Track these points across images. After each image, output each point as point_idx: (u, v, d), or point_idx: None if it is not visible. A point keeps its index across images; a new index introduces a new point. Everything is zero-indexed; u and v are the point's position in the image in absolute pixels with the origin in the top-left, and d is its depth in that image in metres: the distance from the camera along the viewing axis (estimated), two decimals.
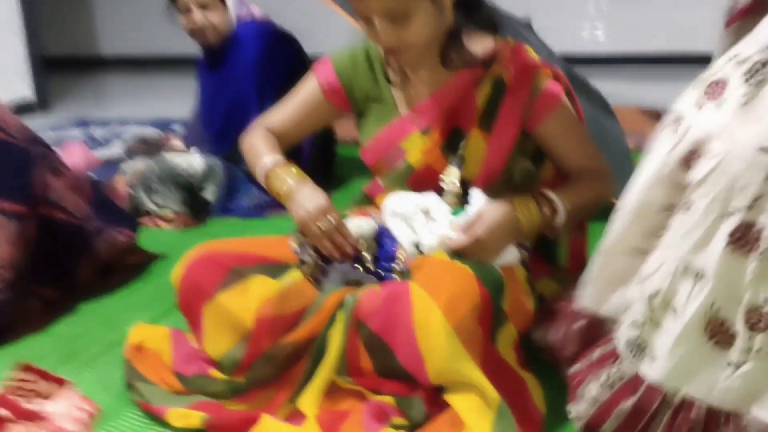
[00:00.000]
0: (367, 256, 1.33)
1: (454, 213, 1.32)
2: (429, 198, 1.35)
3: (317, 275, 1.33)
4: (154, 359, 1.33)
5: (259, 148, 1.44)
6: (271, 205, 2.31)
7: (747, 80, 0.96)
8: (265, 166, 1.39)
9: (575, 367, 1.18)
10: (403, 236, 1.33)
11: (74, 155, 2.64)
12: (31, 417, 1.19)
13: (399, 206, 1.34)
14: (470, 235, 1.24)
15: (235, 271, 1.28)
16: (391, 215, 1.35)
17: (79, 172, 2.24)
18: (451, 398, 1.14)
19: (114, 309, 1.70)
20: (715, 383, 0.98)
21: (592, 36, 5.26)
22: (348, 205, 1.56)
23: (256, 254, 1.34)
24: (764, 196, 0.92)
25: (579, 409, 1.14)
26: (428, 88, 1.40)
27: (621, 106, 2.49)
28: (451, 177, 1.37)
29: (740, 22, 1.06)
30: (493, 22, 1.41)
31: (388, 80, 1.44)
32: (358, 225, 1.34)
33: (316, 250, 1.34)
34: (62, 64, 5.51)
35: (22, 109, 4.13)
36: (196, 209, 2.30)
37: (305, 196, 1.32)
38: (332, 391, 1.20)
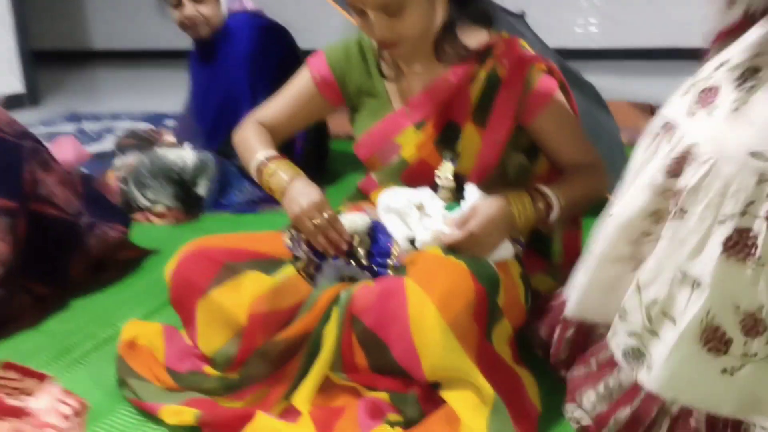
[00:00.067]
0: (360, 251, 1.32)
1: (449, 208, 1.32)
2: (423, 193, 1.35)
3: (311, 271, 1.32)
4: (147, 356, 1.32)
5: (252, 142, 1.44)
6: (265, 200, 2.30)
7: (738, 86, 0.96)
8: (258, 160, 1.38)
9: (573, 373, 1.18)
10: (397, 232, 1.32)
11: (65, 150, 2.62)
12: (16, 414, 1.19)
13: (393, 201, 1.34)
14: (465, 231, 1.24)
15: (228, 266, 1.27)
16: (385, 210, 1.35)
17: (69, 166, 2.22)
18: (446, 395, 1.14)
19: (106, 305, 1.69)
20: (712, 390, 0.98)
21: (585, 30, 5.26)
22: (342, 201, 1.55)
23: (249, 250, 1.33)
24: (756, 201, 0.91)
25: (576, 416, 1.14)
26: (422, 81, 1.40)
27: (614, 101, 2.50)
28: (445, 172, 1.36)
29: (725, 40, 1.05)
30: (487, 16, 1.41)
31: (382, 74, 1.43)
32: (352, 220, 1.34)
33: (310, 246, 1.33)
34: (53, 57, 5.48)
35: (13, 103, 4.10)
36: (189, 204, 2.29)
37: (299, 192, 1.32)
38: (327, 388, 1.19)
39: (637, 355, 1.04)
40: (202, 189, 2.29)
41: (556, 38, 2.50)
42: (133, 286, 1.80)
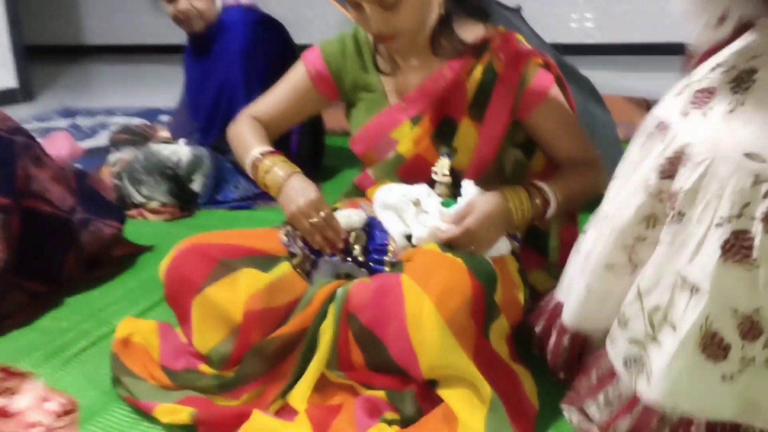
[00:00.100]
0: (357, 248, 1.31)
1: (446, 204, 1.31)
2: (420, 189, 1.34)
3: (307, 267, 1.32)
4: (142, 354, 1.31)
5: (247, 137, 1.43)
6: (260, 196, 2.29)
7: (734, 88, 0.95)
8: (253, 156, 1.38)
9: (575, 384, 1.17)
10: (394, 228, 1.31)
11: (59, 145, 2.60)
12: (2, 414, 1.18)
13: (389, 197, 1.33)
14: (462, 227, 1.23)
15: (224, 263, 1.26)
16: (382, 207, 1.34)
17: (63, 162, 2.21)
18: (443, 393, 1.13)
19: (101, 302, 1.68)
20: (712, 397, 0.96)
21: (581, 25, 5.26)
22: (338, 197, 1.54)
23: (244, 246, 1.32)
24: (752, 203, 0.90)
25: (584, 428, 1.13)
26: (418, 76, 1.39)
27: (610, 96, 2.49)
28: (441, 167, 1.36)
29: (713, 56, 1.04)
30: (483, 10, 1.40)
31: (378, 68, 1.42)
32: (348, 216, 1.33)
33: (306, 242, 1.32)
34: (46, 52, 5.45)
35: (6, 98, 4.08)
36: (184, 200, 2.28)
37: (295, 190, 1.31)
38: (323, 386, 1.19)
39: (638, 363, 1.03)
40: (197, 185, 2.28)
41: (551, 33, 2.49)
42: (128, 283, 1.79)
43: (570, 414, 1.15)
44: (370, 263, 1.31)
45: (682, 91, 1.03)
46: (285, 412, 1.17)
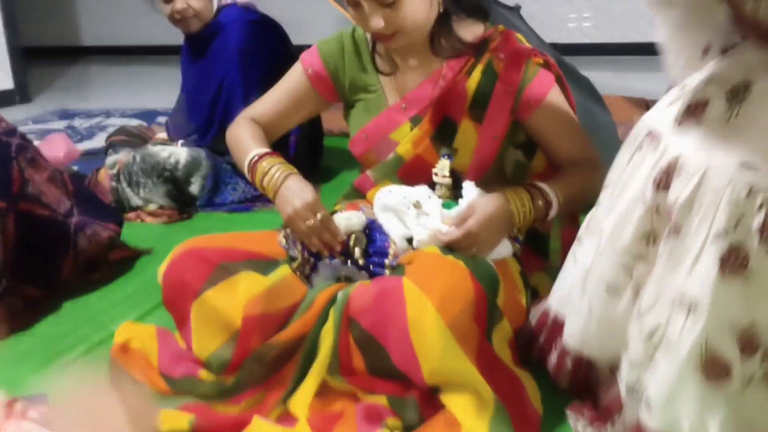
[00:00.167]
0: (357, 251, 1.30)
1: (446, 206, 1.30)
2: (420, 191, 1.33)
3: (306, 271, 1.31)
4: (141, 360, 1.30)
5: (244, 140, 1.41)
6: (259, 198, 2.27)
7: (729, 100, 0.93)
8: (250, 158, 1.36)
9: (585, 403, 1.15)
10: (394, 230, 1.30)
11: (55, 147, 2.59)
12: None
13: (389, 199, 1.32)
14: (463, 229, 1.22)
15: (223, 267, 1.25)
16: (382, 209, 1.33)
17: (60, 164, 2.20)
18: (446, 399, 1.12)
19: (98, 307, 1.67)
20: (714, 420, 0.94)
21: (579, 25, 5.25)
22: (337, 199, 1.53)
23: (243, 249, 1.31)
24: (747, 214, 0.88)
25: None
26: (418, 76, 1.38)
27: (608, 95, 2.48)
28: (442, 169, 1.35)
29: None
30: (482, 8, 1.39)
31: (377, 68, 1.41)
32: (348, 219, 1.32)
33: (305, 245, 1.31)
34: (43, 54, 5.44)
35: (2, 100, 4.07)
36: (182, 203, 2.27)
37: (292, 192, 1.29)
38: (324, 392, 1.18)
39: (638, 389, 1.00)
40: (195, 187, 2.27)
41: (549, 33, 2.48)
42: (126, 287, 1.77)
43: (576, 423, 1.13)
44: (371, 266, 1.30)
45: (675, 101, 1.01)
46: (285, 418, 1.16)
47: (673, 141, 0.97)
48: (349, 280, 1.29)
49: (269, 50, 2.36)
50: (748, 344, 0.91)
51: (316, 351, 1.18)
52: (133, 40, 5.71)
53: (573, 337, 1.15)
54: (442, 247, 1.23)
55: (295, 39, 2.51)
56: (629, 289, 1.05)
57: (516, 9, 2.45)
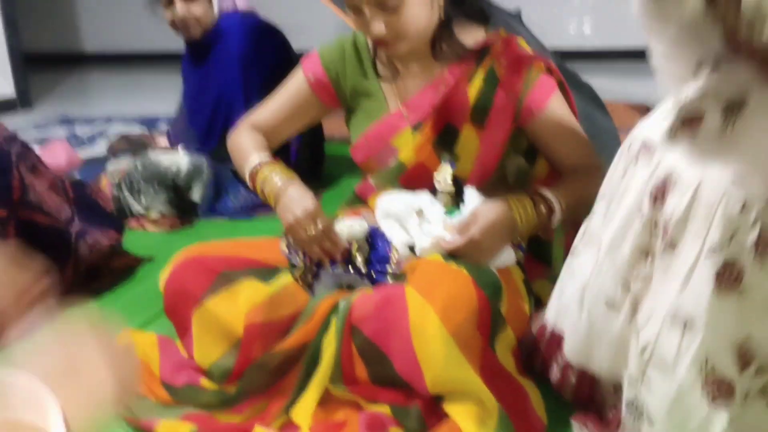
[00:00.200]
0: (359, 258, 1.29)
1: (449, 213, 1.29)
2: (422, 198, 1.32)
3: (308, 279, 1.30)
4: (143, 369, 1.29)
5: (245, 147, 1.41)
6: (260, 205, 2.26)
7: (724, 114, 0.92)
8: (251, 165, 1.36)
9: (590, 416, 1.13)
10: (396, 238, 1.30)
11: (56, 154, 2.59)
12: None
13: (391, 206, 1.31)
14: (465, 236, 1.22)
15: (224, 275, 1.25)
16: (384, 216, 1.32)
17: (61, 171, 2.19)
18: (449, 408, 1.12)
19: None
20: None
21: (579, 31, 5.25)
22: (339, 206, 1.53)
23: (245, 257, 1.30)
24: (741, 230, 0.87)
25: None
26: (419, 81, 1.38)
27: (609, 101, 2.48)
28: (444, 175, 1.34)
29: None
30: (484, 13, 1.38)
31: (378, 74, 1.40)
32: (350, 226, 1.31)
33: (307, 253, 1.30)
34: (44, 60, 5.44)
35: (4, 107, 4.06)
36: (183, 210, 2.26)
37: (292, 199, 1.29)
38: (327, 401, 1.17)
39: (637, 407, 0.99)
40: (196, 194, 2.26)
41: (549, 39, 2.48)
42: (127, 295, 1.77)
43: None
44: (373, 274, 1.29)
45: (669, 113, 1.00)
46: (288, 428, 1.15)
47: (669, 154, 0.96)
48: (351, 287, 1.28)
49: (270, 56, 2.36)
50: (743, 359, 0.89)
51: (319, 360, 1.17)
52: (135, 46, 5.71)
53: (574, 351, 1.13)
54: (445, 254, 1.22)
55: (296, 45, 2.51)
56: (627, 304, 1.03)
57: (517, 14, 2.45)
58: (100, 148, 2.96)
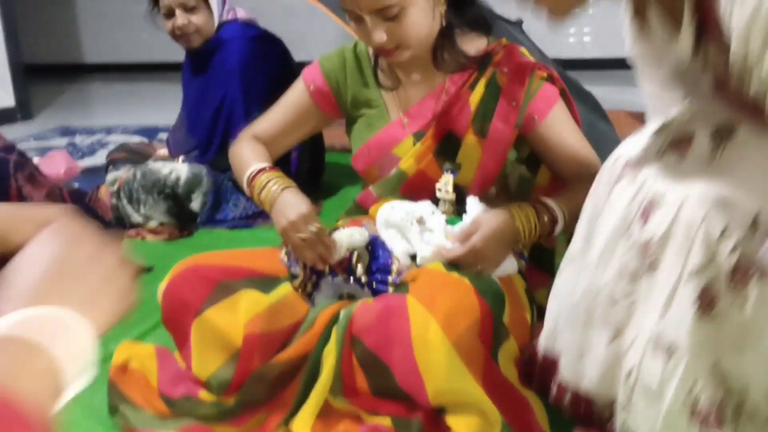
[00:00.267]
0: (360, 267, 1.28)
1: (450, 222, 1.28)
2: (424, 206, 1.31)
3: (308, 289, 1.29)
4: (140, 380, 1.28)
5: (246, 156, 1.40)
6: (260, 215, 2.26)
7: (713, 140, 0.91)
8: (249, 173, 1.35)
9: None
10: (398, 247, 1.28)
11: (56, 164, 2.59)
12: None
13: (392, 215, 1.30)
14: (467, 245, 1.20)
15: (223, 285, 1.23)
16: (385, 225, 1.31)
17: (60, 181, 2.18)
18: (451, 420, 1.10)
19: None
20: None
21: (580, 40, 5.26)
22: (339, 215, 1.52)
23: (244, 267, 1.29)
24: (719, 256, 0.84)
25: None
26: (420, 90, 1.37)
27: (611, 110, 2.47)
28: (445, 184, 1.33)
29: None
30: (485, 22, 1.37)
31: (379, 83, 1.39)
32: (350, 235, 1.30)
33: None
34: (45, 71, 5.45)
35: (4, 117, 4.07)
36: (183, 220, 2.25)
37: (286, 204, 1.27)
38: (327, 413, 1.15)
39: None
40: (195, 204, 2.25)
41: (549, 48, 2.48)
42: None
43: None
44: (374, 283, 1.28)
45: (657, 133, 0.99)
46: None
47: (653, 175, 0.94)
48: (351, 297, 1.27)
49: (270, 66, 2.36)
50: (723, 381, 0.87)
51: (319, 371, 1.16)
52: (135, 57, 5.73)
53: (568, 372, 1.11)
54: (447, 263, 1.21)
55: (297, 55, 2.51)
56: (610, 326, 1.00)
57: (518, 23, 2.45)
58: (99, 158, 2.96)
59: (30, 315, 0.49)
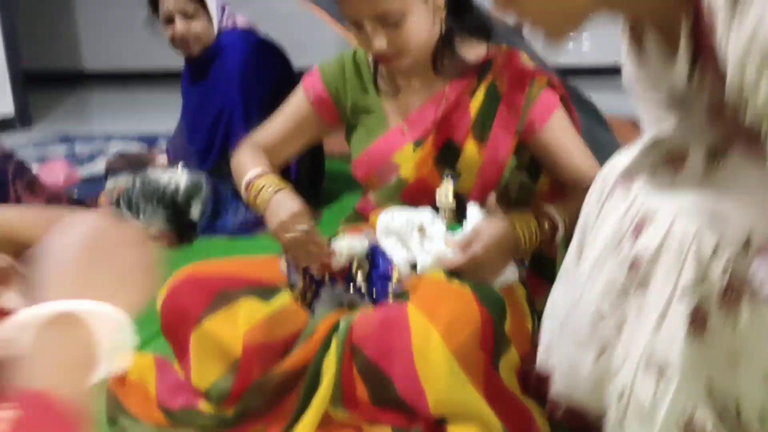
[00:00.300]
0: (359, 276, 1.28)
1: (451, 230, 1.27)
2: (424, 214, 1.31)
3: (308, 298, 1.28)
4: (139, 391, 1.27)
5: (245, 165, 1.40)
6: (260, 223, 2.24)
7: (707, 158, 0.90)
8: (247, 178, 1.34)
9: None
10: (398, 255, 1.28)
11: (55, 172, 2.58)
12: None
13: (392, 223, 1.30)
14: (468, 254, 1.20)
15: (223, 294, 1.23)
16: (385, 233, 1.31)
17: (59, 189, 2.18)
18: (452, 430, 1.10)
19: None
20: None
21: (578, 47, 5.26)
22: (339, 223, 1.51)
23: (244, 276, 1.29)
24: (710, 275, 0.82)
25: None
26: (420, 97, 1.37)
27: (610, 117, 2.47)
28: (445, 191, 1.32)
29: None
30: (486, 28, 1.37)
31: (378, 90, 1.39)
32: (350, 243, 1.29)
33: (307, 271, 1.29)
34: (44, 79, 5.45)
35: (3, 125, 4.07)
36: (182, 228, 2.24)
37: (278, 204, 1.26)
38: (327, 424, 1.15)
39: None
40: (195, 211, 2.25)
41: (547, 55, 2.48)
42: None
43: None
44: (374, 292, 1.27)
45: (650, 147, 0.98)
46: None
47: (646, 190, 0.93)
48: (351, 306, 1.26)
49: (270, 73, 2.36)
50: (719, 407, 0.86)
51: (319, 381, 1.15)
52: (134, 64, 5.73)
53: (560, 384, 1.09)
54: (447, 272, 1.20)
55: (297, 62, 2.50)
56: (600, 343, 0.99)
57: (518, 30, 2.45)
58: (99, 166, 2.96)
59: (73, 304, 0.54)
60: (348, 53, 1.43)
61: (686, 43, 0.83)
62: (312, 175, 2.51)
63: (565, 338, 1.05)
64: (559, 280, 1.11)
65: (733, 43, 0.74)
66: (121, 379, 1.29)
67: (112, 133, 3.80)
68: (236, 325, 1.18)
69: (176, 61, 2.49)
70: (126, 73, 5.85)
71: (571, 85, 2.19)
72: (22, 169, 1.65)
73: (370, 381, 1.12)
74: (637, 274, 0.90)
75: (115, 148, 3.33)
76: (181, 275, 1.27)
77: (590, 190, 1.05)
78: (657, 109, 1.00)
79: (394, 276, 1.27)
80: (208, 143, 2.36)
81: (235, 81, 2.31)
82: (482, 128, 1.33)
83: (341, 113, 1.43)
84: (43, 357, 0.52)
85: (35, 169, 2.35)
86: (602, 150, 2.04)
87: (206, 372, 1.20)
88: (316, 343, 1.17)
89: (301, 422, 1.14)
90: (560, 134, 1.35)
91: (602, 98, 2.63)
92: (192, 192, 2.24)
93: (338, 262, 1.27)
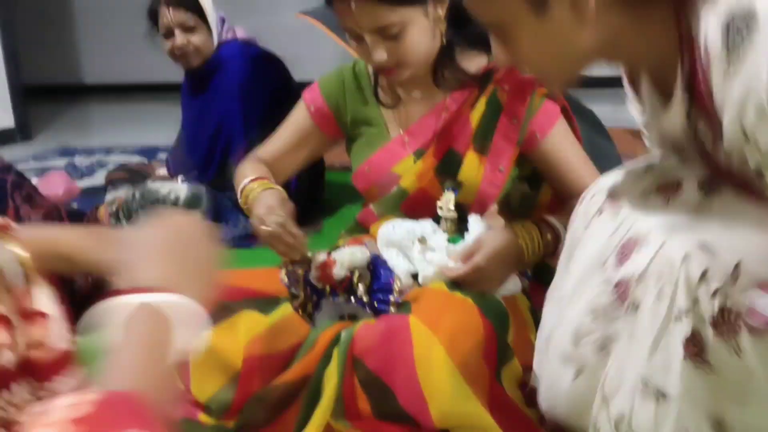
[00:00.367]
0: (361, 287, 1.27)
1: (452, 241, 1.27)
2: (425, 225, 1.30)
3: (309, 309, 1.28)
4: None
5: (245, 175, 1.39)
6: None
7: (700, 189, 0.90)
8: (242, 185, 1.34)
9: None
10: (399, 266, 1.27)
11: (54, 185, 2.58)
12: None
13: (394, 234, 1.29)
14: (470, 265, 1.19)
15: (223, 306, 1.21)
16: (386, 244, 1.30)
17: (59, 201, 2.17)
18: None
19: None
20: None
21: None
22: (340, 234, 1.50)
23: (244, 287, 1.28)
24: (701, 301, 0.81)
25: None
26: (420, 108, 1.37)
27: (611, 128, 2.47)
28: (446, 202, 1.32)
29: None
30: (486, 39, 1.37)
31: (379, 101, 1.39)
32: (352, 254, 1.29)
33: (308, 282, 1.28)
34: (44, 92, 5.46)
35: (3, 138, 4.07)
36: None
37: (259, 201, 1.26)
38: None
39: None
40: None
41: None
42: None
43: None
44: (375, 303, 1.26)
45: (642, 175, 0.98)
46: None
47: (636, 214, 0.92)
48: (353, 318, 1.26)
49: (270, 86, 2.36)
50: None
51: (320, 393, 1.14)
52: (134, 77, 5.74)
53: (545, 403, 1.08)
54: (449, 283, 1.20)
55: (297, 75, 2.50)
56: (577, 363, 0.97)
57: None
58: (99, 178, 2.96)
59: (160, 296, 0.57)
60: (347, 66, 1.43)
61: (681, 91, 0.83)
62: (312, 186, 2.50)
63: (550, 354, 1.04)
64: (549, 294, 1.10)
65: (730, 91, 0.74)
66: None
67: (112, 146, 3.80)
68: (236, 337, 1.17)
69: (176, 73, 2.49)
70: (126, 85, 5.86)
71: (572, 95, 2.19)
72: (21, 181, 1.65)
73: (372, 393, 1.11)
74: (626, 296, 0.89)
75: (114, 160, 3.33)
76: None
77: (576, 208, 1.05)
78: (651, 146, 1.00)
79: (396, 287, 1.26)
80: (208, 155, 2.35)
81: (234, 93, 2.31)
82: (483, 139, 1.33)
83: (342, 126, 1.43)
84: (129, 345, 0.54)
85: (35, 181, 2.35)
86: (603, 160, 2.04)
87: (206, 384, 1.18)
88: (318, 355, 1.16)
89: None
90: (562, 145, 1.35)
91: (603, 109, 2.63)
92: (192, 204, 2.23)
93: (339, 273, 1.26)
